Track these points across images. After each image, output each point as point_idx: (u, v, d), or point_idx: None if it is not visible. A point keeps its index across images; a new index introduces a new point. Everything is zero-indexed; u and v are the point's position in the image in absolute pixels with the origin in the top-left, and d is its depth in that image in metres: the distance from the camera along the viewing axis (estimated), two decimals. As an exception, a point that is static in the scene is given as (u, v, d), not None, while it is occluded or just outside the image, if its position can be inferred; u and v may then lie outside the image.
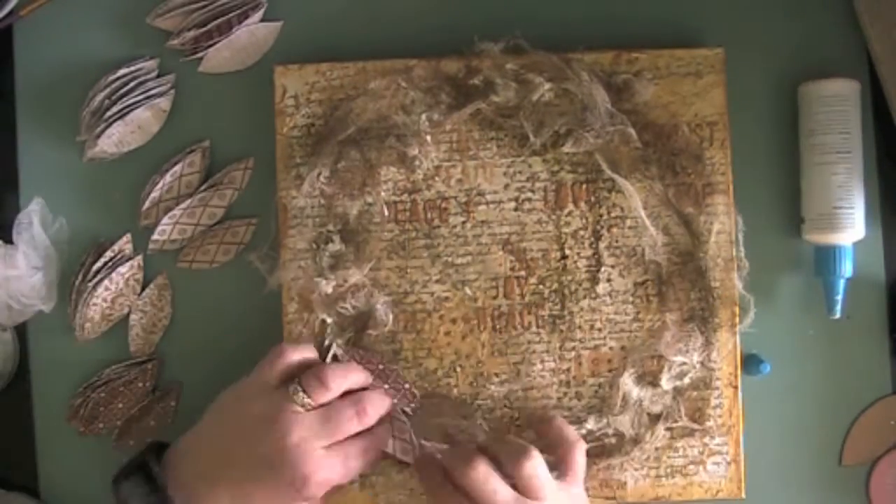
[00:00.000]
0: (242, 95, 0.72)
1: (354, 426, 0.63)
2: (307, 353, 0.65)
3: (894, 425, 0.72)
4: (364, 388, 0.66)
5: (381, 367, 0.68)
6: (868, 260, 0.72)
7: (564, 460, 0.63)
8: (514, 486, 0.60)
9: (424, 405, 0.68)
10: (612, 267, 0.69)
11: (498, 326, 0.69)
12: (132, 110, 0.70)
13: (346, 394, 0.64)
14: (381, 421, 0.66)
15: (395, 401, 0.68)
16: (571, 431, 0.66)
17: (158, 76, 0.72)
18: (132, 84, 0.71)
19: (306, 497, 0.61)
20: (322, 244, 0.69)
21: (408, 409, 0.68)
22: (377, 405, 0.65)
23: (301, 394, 0.62)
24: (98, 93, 0.71)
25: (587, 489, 0.66)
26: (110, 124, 0.70)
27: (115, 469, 0.64)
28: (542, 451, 0.61)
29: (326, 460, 0.61)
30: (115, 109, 0.70)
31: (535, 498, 0.60)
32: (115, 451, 0.71)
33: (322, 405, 0.62)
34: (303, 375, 0.63)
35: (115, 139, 0.71)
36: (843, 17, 0.72)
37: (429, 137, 0.69)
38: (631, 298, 0.69)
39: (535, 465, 0.60)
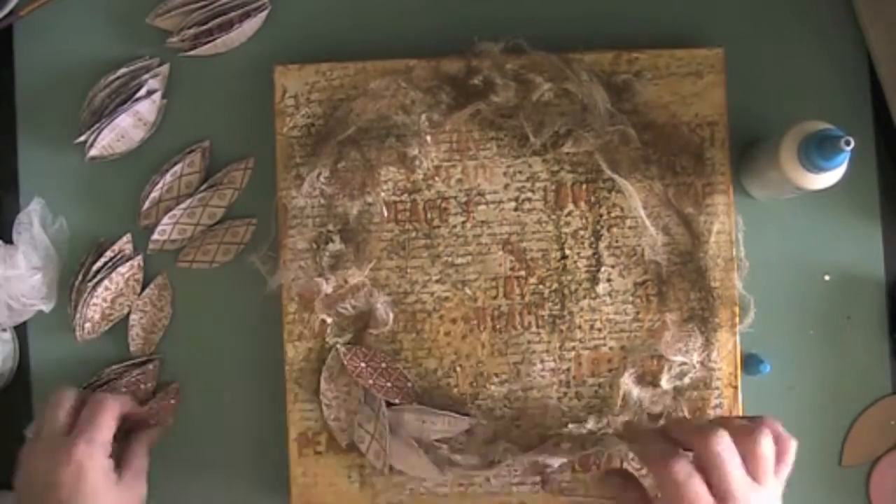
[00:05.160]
0: (242, 95, 0.72)
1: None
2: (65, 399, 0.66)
3: (894, 425, 0.72)
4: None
5: (383, 365, 0.68)
6: (868, 260, 0.72)
7: (782, 454, 0.59)
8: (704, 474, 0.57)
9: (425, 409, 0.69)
10: (612, 267, 0.69)
11: (498, 326, 0.69)
12: (131, 110, 0.70)
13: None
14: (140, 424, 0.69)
15: (398, 400, 0.68)
16: (783, 430, 0.60)
17: (158, 76, 0.72)
18: (132, 84, 0.71)
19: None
20: (322, 244, 0.69)
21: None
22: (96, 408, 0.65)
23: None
24: (98, 93, 0.71)
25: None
26: (110, 124, 0.70)
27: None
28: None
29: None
30: (114, 109, 0.70)
31: (761, 479, 0.57)
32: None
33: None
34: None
35: (115, 139, 0.71)
36: (843, 17, 0.72)
37: (429, 137, 0.69)
38: (631, 298, 0.69)
39: (769, 444, 0.57)
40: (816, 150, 0.60)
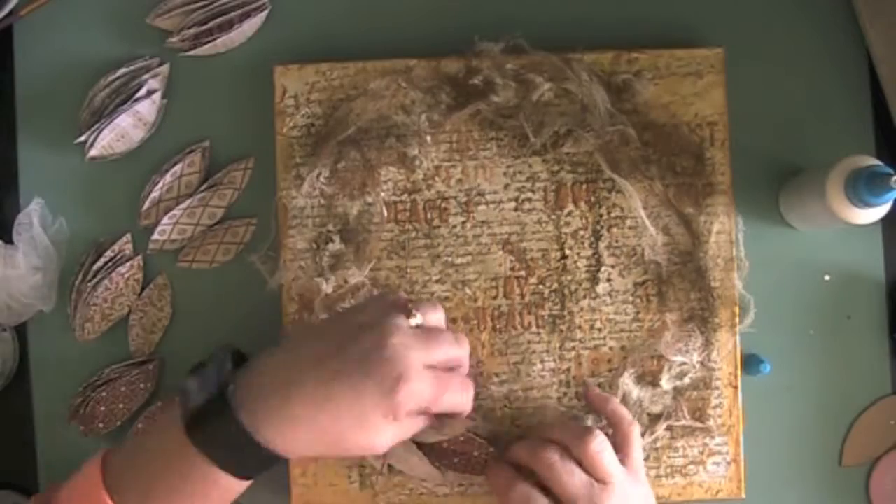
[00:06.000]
0: (242, 95, 0.72)
1: (453, 349, 0.60)
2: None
3: (894, 425, 0.72)
4: None
5: None
6: (868, 260, 0.72)
7: (623, 441, 0.63)
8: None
9: None
10: (612, 267, 0.69)
11: (498, 326, 0.69)
12: (131, 110, 0.70)
13: None
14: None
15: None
16: (626, 412, 0.65)
17: (158, 76, 0.72)
18: (132, 84, 0.71)
19: (392, 408, 0.56)
20: (322, 244, 0.69)
21: None
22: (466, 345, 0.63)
23: (415, 313, 0.60)
24: (98, 93, 0.71)
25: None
26: (110, 124, 0.70)
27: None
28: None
29: (421, 372, 0.57)
30: (114, 109, 0.70)
31: (604, 478, 0.60)
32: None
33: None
34: (417, 302, 0.62)
35: (115, 139, 0.71)
36: (843, 17, 0.72)
37: (429, 137, 0.69)
38: (631, 298, 0.69)
39: (601, 443, 0.61)
40: (865, 187, 0.61)
